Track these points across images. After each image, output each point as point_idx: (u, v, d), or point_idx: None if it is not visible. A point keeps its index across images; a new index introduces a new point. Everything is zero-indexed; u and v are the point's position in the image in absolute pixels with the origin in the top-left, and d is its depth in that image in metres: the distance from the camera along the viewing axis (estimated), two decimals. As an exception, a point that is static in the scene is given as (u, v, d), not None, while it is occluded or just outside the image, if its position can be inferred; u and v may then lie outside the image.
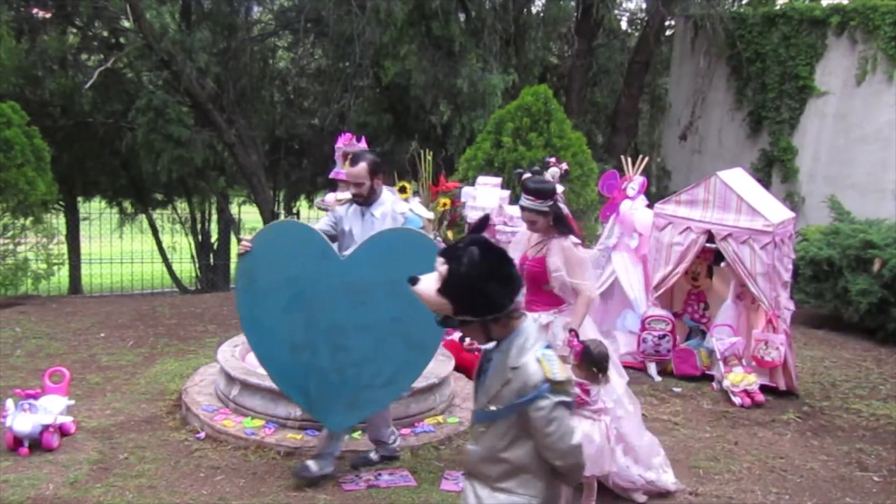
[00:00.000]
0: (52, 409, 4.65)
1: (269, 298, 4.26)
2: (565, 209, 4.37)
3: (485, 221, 2.59)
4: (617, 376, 4.37)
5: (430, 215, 4.38)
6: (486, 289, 2.33)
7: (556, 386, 2.29)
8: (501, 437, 2.39)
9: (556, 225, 4.28)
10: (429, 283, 2.38)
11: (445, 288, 2.33)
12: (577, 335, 4.06)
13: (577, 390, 3.98)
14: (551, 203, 4.24)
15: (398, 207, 4.48)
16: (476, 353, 6.31)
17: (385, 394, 4.37)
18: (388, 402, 4.51)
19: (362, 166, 4.38)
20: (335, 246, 4.43)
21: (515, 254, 4.59)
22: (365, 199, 4.44)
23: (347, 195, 5.01)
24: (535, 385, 2.29)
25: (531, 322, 2.44)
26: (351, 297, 4.17)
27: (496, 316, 2.36)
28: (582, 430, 3.98)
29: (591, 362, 4.01)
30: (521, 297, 2.40)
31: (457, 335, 6.44)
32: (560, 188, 4.33)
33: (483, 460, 2.46)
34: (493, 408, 2.39)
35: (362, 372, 4.22)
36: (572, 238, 4.28)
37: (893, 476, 4.84)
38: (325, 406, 4.30)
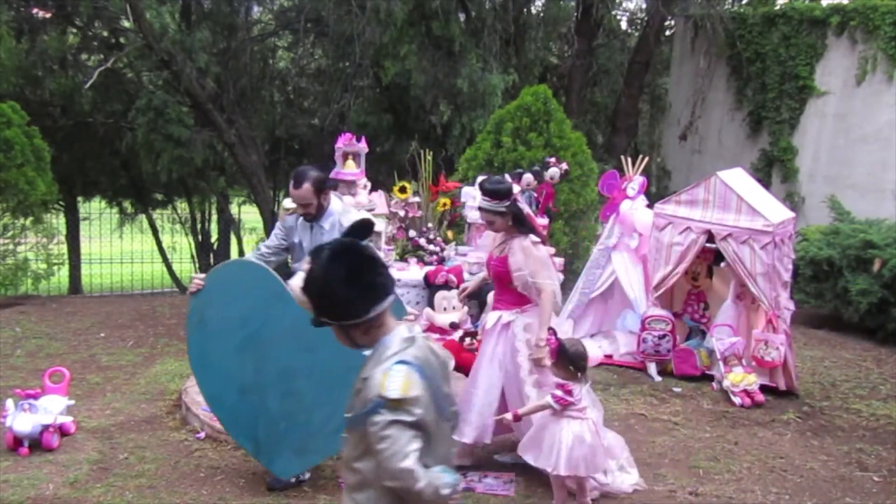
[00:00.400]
0: (52, 409, 4.66)
1: (220, 338, 4.15)
2: (525, 209, 4.39)
3: (362, 226, 2.46)
4: None
5: (380, 227, 4.28)
6: (335, 293, 2.28)
7: (391, 403, 2.18)
8: (355, 447, 2.34)
9: (516, 225, 4.32)
10: (298, 280, 2.36)
11: (305, 287, 2.32)
12: (554, 333, 4.08)
13: (559, 392, 4.00)
14: (508, 203, 4.27)
15: (345, 219, 4.37)
16: (476, 353, 6.32)
17: (335, 440, 4.25)
18: (338, 449, 4.39)
19: (306, 187, 4.30)
20: (288, 258, 4.42)
21: (482, 253, 4.61)
22: (314, 217, 4.41)
23: (348, 198, 5.03)
24: (373, 399, 2.21)
25: (399, 335, 2.33)
26: (304, 340, 4.02)
27: (354, 322, 2.30)
28: (571, 431, 3.98)
29: (568, 360, 4.01)
30: (386, 306, 2.31)
31: (457, 335, 6.43)
32: (517, 188, 4.35)
33: (344, 466, 2.43)
34: (347, 415, 2.35)
35: (312, 418, 4.12)
36: (532, 237, 4.31)
37: (893, 476, 4.84)
38: (273, 452, 4.21)
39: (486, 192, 4.32)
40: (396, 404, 2.17)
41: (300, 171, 4.38)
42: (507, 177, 4.80)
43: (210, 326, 4.18)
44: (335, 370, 4.04)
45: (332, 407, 4.10)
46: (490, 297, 6.62)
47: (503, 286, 4.43)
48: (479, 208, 4.37)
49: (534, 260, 4.27)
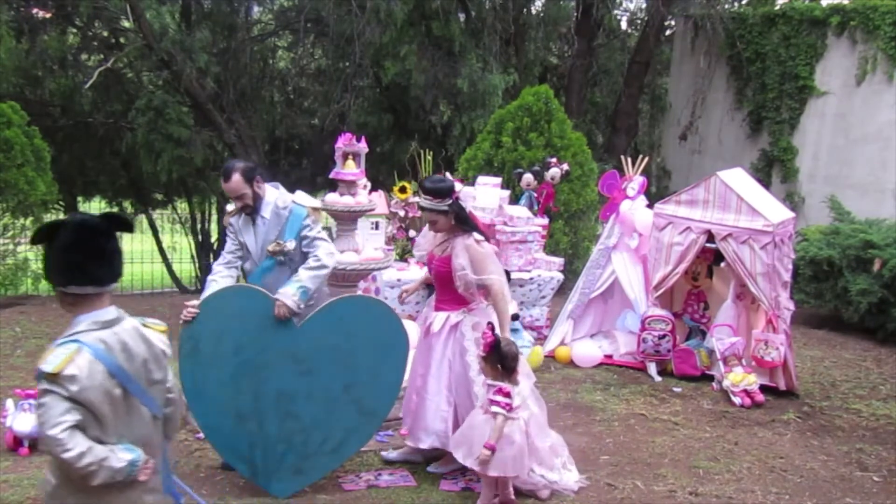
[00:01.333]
0: None
1: (215, 367, 4.10)
2: (467, 207, 4.37)
3: (122, 221, 2.65)
4: (524, 377, 4.38)
5: (316, 203, 4.34)
6: (51, 252, 2.50)
7: (46, 375, 2.36)
8: None
9: (459, 223, 4.30)
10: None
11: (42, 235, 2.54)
12: (493, 328, 4.06)
13: (500, 398, 3.97)
14: (450, 202, 4.25)
15: (280, 202, 4.36)
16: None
17: (331, 460, 4.32)
18: (335, 468, 4.44)
19: (236, 178, 4.27)
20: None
21: (421, 251, 4.59)
22: (252, 208, 4.38)
23: (348, 198, 5.02)
24: (38, 369, 2.39)
25: (97, 317, 2.56)
26: (301, 364, 4.11)
27: (57, 288, 2.56)
28: (504, 432, 3.97)
29: (498, 358, 3.99)
30: (89, 292, 2.54)
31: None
32: (459, 187, 4.34)
33: None
34: None
35: (310, 439, 4.17)
36: (475, 235, 4.29)
37: (893, 476, 4.84)
38: (271, 474, 4.22)
39: (427, 191, 4.30)
40: (51, 377, 2.36)
41: (227, 165, 4.38)
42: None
43: (203, 355, 4.10)
44: (333, 390, 4.13)
45: (329, 427, 4.17)
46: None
47: (446, 286, 4.39)
48: (421, 208, 4.34)
49: (479, 258, 4.24)
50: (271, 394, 4.12)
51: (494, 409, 3.99)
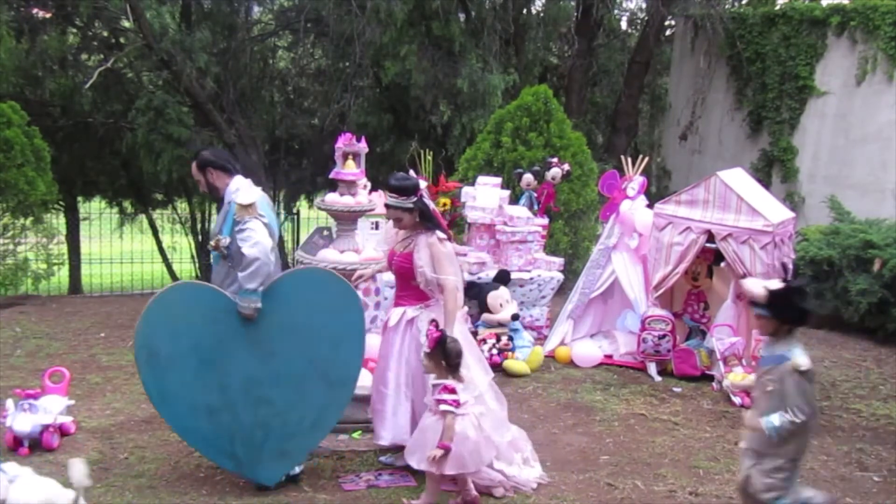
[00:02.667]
0: (52, 409, 4.66)
1: (176, 368, 4.08)
2: (431, 205, 4.39)
3: None
4: (482, 373, 4.40)
5: (248, 200, 4.23)
6: None
7: None
8: None
9: (423, 221, 4.33)
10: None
11: None
12: (437, 325, 4.08)
13: (445, 395, 3.96)
14: (415, 199, 4.28)
15: (229, 196, 4.31)
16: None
17: (313, 437, 4.33)
18: (317, 444, 4.45)
19: (193, 166, 4.40)
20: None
21: (384, 247, 4.60)
22: (215, 195, 4.40)
23: (348, 198, 5.03)
24: None
25: None
26: (260, 349, 4.11)
27: None
28: (457, 429, 3.96)
29: (442, 354, 3.98)
30: None
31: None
32: (423, 184, 4.37)
33: None
34: None
35: (288, 420, 4.16)
36: (438, 233, 4.31)
37: (893, 476, 4.84)
38: (255, 463, 4.22)
39: (392, 188, 4.33)
40: None
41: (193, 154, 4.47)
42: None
43: (162, 359, 4.09)
44: (299, 368, 4.12)
45: (303, 405, 4.16)
46: (491, 296, 6.63)
47: (406, 282, 4.41)
48: (386, 205, 4.37)
49: (439, 256, 4.26)
50: (238, 383, 4.11)
51: (443, 407, 3.97)
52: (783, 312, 3.55)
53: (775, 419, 3.45)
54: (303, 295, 4.16)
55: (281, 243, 13.61)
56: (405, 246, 4.37)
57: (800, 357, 3.46)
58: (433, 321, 4.15)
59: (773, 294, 3.54)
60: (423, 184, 4.37)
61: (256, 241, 4.14)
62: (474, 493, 4.17)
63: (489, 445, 4.16)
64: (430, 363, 4.03)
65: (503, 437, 4.40)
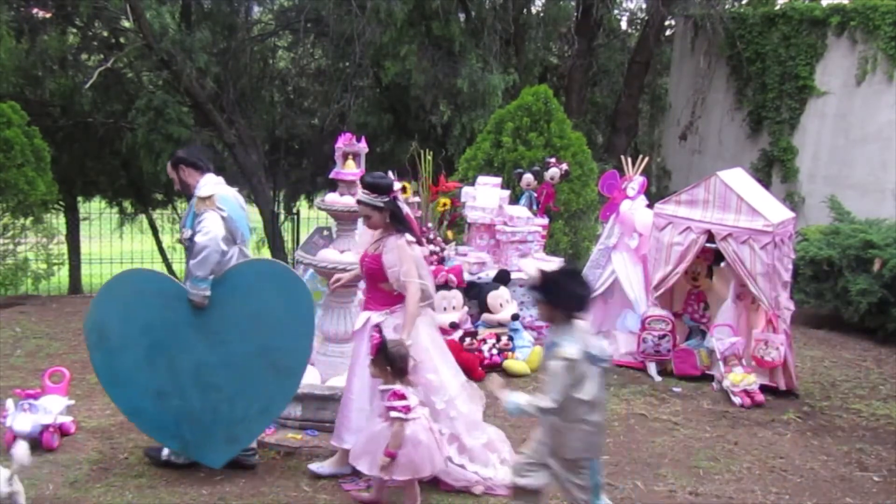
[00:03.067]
0: (52, 409, 4.65)
1: (126, 350, 4.18)
2: (405, 208, 4.37)
3: None
4: (452, 376, 4.38)
5: (206, 193, 4.34)
6: None
7: None
8: None
9: (393, 222, 4.31)
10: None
11: None
12: (380, 330, 4.07)
13: (395, 402, 3.92)
14: (387, 199, 4.26)
15: (199, 192, 4.41)
16: (477, 353, 6.33)
17: (260, 423, 4.39)
18: (264, 430, 4.51)
19: (168, 165, 4.57)
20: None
21: (359, 249, 4.60)
22: (187, 192, 4.50)
23: (348, 198, 5.03)
24: None
25: None
26: (211, 336, 4.18)
27: None
28: (407, 434, 3.92)
29: (386, 359, 3.96)
30: None
31: (457, 335, 6.44)
32: (398, 185, 4.34)
33: None
34: None
35: (235, 406, 4.23)
36: (407, 236, 4.29)
37: (893, 476, 4.84)
38: (202, 445, 4.30)
39: (365, 185, 4.33)
40: None
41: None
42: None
43: (112, 341, 4.18)
44: (248, 356, 4.19)
45: (252, 392, 4.21)
46: (491, 296, 6.63)
47: (374, 285, 4.39)
48: (357, 201, 4.37)
49: (406, 258, 4.23)
50: (189, 368, 4.18)
51: (393, 414, 3.93)
52: (554, 297, 3.41)
53: (521, 399, 3.36)
54: (254, 285, 4.22)
55: (281, 243, 13.63)
56: (376, 248, 4.34)
57: (568, 347, 3.30)
58: (376, 326, 4.14)
59: (544, 277, 3.42)
60: (397, 185, 4.33)
61: (209, 230, 4.24)
62: (418, 498, 4.10)
63: (443, 446, 4.16)
64: (376, 369, 4.02)
65: (477, 439, 4.37)
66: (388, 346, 3.95)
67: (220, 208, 4.35)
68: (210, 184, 4.44)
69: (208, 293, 4.17)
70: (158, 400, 4.20)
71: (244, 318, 4.19)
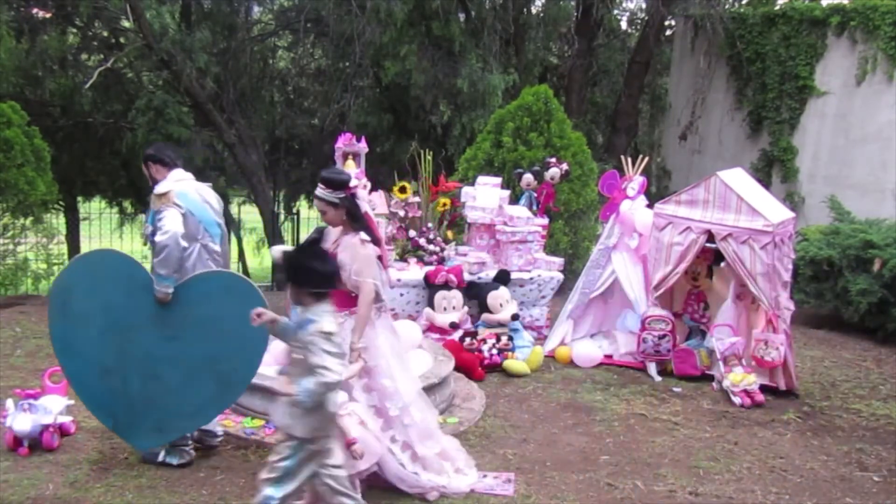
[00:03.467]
0: (52, 408, 4.65)
1: (84, 323, 4.29)
2: (364, 207, 4.31)
3: None
4: (408, 382, 4.36)
5: (161, 190, 4.47)
6: None
7: None
8: None
9: (349, 220, 4.25)
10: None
11: None
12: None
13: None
14: (343, 196, 4.20)
15: (156, 188, 4.55)
16: (477, 353, 6.33)
17: (191, 422, 4.44)
18: (194, 430, 4.56)
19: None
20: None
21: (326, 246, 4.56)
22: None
23: None
24: None
25: None
26: (165, 330, 4.25)
27: None
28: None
29: None
30: None
31: (457, 335, 6.44)
32: (354, 182, 4.29)
33: None
34: None
35: (170, 401, 4.28)
36: (362, 235, 4.22)
37: (893, 476, 4.84)
38: (132, 428, 4.39)
39: (322, 180, 4.28)
40: None
41: None
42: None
43: (74, 311, 4.32)
44: (197, 359, 4.24)
45: (193, 391, 4.31)
46: (491, 296, 6.63)
47: None
48: (314, 196, 4.34)
49: (358, 257, 4.17)
50: (137, 354, 4.27)
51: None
52: (297, 276, 3.46)
53: (308, 382, 3.33)
54: (217, 295, 4.27)
55: (281, 243, 13.61)
56: (335, 247, 4.28)
57: (325, 320, 3.36)
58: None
59: (285, 258, 3.46)
60: (354, 182, 4.31)
61: (167, 229, 4.31)
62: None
63: (415, 459, 4.20)
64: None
65: (431, 448, 4.36)
66: None
67: (178, 204, 4.44)
68: (170, 180, 4.52)
69: (171, 291, 4.25)
70: (102, 376, 4.33)
71: (200, 323, 4.26)
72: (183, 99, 11.59)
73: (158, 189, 4.47)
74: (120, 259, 4.45)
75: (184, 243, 4.35)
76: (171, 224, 4.33)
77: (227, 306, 4.21)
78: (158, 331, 4.26)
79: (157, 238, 4.29)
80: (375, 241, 4.30)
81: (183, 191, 4.52)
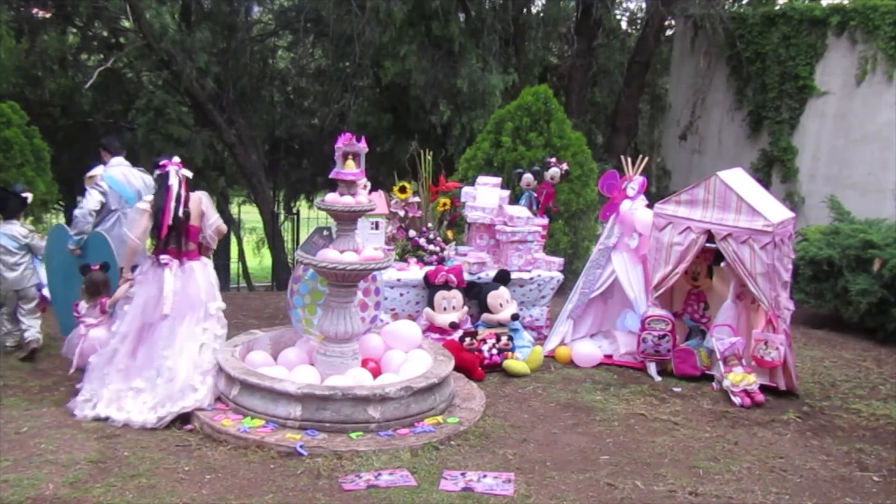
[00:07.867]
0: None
1: (56, 270, 6.32)
2: (175, 187, 5.43)
3: None
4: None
5: (89, 174, 6.31)
6: None
7: None
8: None
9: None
10: None
11: None
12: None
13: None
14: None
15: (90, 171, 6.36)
16: (477, 353, 6.32)
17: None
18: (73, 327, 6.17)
19: None
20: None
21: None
22: None
23: (348, 198, 5.02)
24: None
25: None
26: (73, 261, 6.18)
27: None
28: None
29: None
30: None
31: (457, 335, 6.44)
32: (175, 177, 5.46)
33: None
34: None
35: (59, 300, 6.39)
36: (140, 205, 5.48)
37: (893, 476, 4.84)
38: (62, 319, 6.36)
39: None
40: None
41: None
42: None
43: (52, 263, 6.31)
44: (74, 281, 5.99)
45: (62, 298, 6.23)
46: (491, 296, 6.59)
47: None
48: None
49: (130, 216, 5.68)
50: (61, 284, 6.30)
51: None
52: None
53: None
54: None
55: (281, 243, 13.63)
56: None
57: None
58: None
59: None
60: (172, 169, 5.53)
61: (83, 205, 6.07)
62: None
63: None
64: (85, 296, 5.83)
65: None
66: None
67: (99, 185, 6.12)
68: (109, 165, 6.27)
69: (73, 247, 6.05)
70: (63, 305, 6.19)
71: (77, 262, 6.06)
72: (183, 99, 11.60)
73: (90, 172, 6.16)
74: (62, 228, 6.37)
75: (90, 218, 6.05)
76: (87, 202, 6.07)
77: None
78: (72, 262, 6.08)
79: (76, 210, 6.01)
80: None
81: (110, 174, 6.20)
